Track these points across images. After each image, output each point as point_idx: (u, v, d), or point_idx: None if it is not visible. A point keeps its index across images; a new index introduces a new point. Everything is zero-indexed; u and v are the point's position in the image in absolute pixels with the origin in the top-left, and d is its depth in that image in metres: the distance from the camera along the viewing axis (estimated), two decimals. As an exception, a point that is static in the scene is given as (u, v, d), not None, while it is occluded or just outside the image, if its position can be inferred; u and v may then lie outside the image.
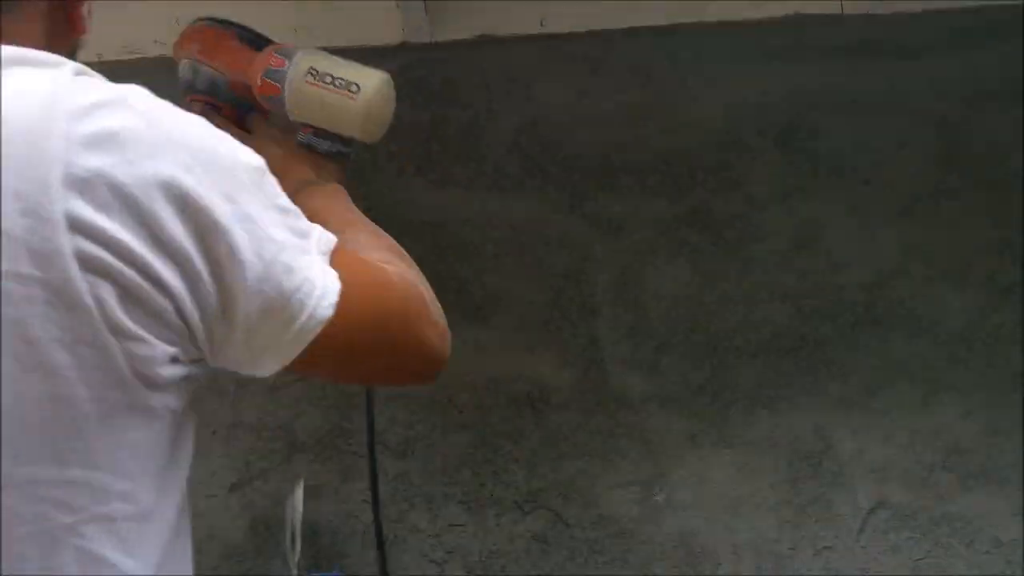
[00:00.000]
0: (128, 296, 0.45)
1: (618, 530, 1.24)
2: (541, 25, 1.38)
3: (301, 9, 1.32)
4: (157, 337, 0.47)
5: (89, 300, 0.44)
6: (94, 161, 0.45)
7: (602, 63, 1.35)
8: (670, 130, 1.34)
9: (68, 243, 0.44)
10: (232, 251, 0.48)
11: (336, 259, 0.56)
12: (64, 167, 0.44)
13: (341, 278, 0.55)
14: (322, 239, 0.57)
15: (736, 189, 1.32)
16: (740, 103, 1.32)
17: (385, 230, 0.75)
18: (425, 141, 1.35)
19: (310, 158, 0.84)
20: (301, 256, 0.53)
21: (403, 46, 1.36)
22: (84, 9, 0.60)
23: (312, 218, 0.59)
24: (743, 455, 1.27)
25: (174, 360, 0.49)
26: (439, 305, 0.71)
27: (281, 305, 0.51)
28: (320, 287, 0.53)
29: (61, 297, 0.44)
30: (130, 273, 0.45)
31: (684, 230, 1.32)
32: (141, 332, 0.46)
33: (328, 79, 0.86)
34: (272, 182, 0.55)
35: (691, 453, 1.26)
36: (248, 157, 0.53)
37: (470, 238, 1.32)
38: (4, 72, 0.48)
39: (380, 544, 1.05)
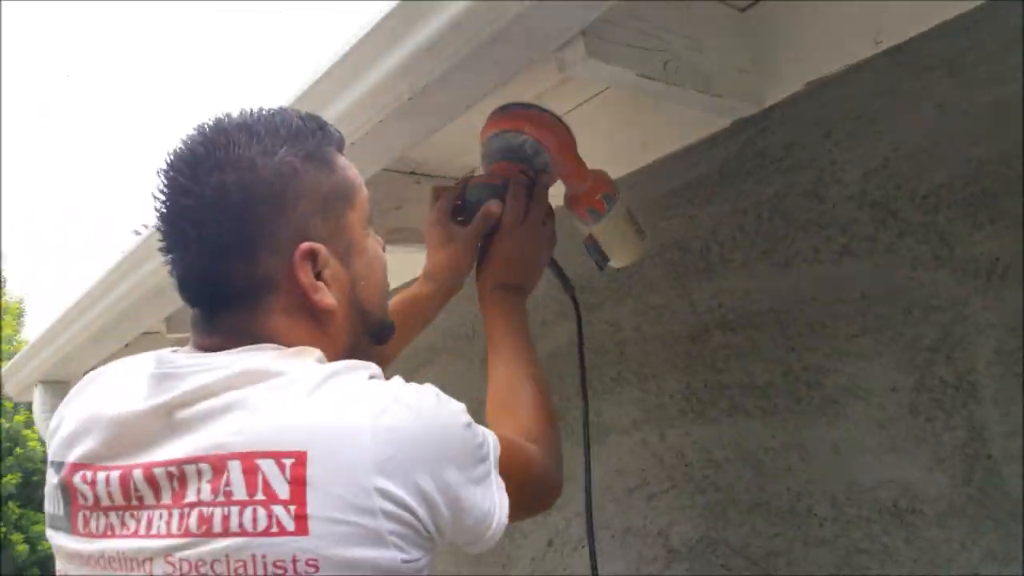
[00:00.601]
0: (407, 532, 0.73)
1: None
2: (876, 43, 1.23)
3: (629, 125, 1.47)
4: (418, 550, 0.76)
5: (387, 536, 0.73)
6: (389, 450, 0.72)
7: (960, 60, 1.11)
8: None
9: (378, 505, 0.71)
10: (465, 510, 0.78)
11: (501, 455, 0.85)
12: (372, 456, 0.71)
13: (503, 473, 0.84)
14: (496, 455, 0.84)
15: None
16: None
17: (736, 327, 1.20)
18: (768, 219, 1.32)
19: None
20: (493, 494, 0.82)
21: (736, 124, 1.38)
22: (320, 296, 0.83)
23: (491, 324, 1.10)
24: None
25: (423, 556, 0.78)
26: (558, 453, 1.03)
27: (484, 527, 0.81)
28: (499, 508, 0.82)
29: (372, 536, 0.71)
30: (410, 519, 0.73)
31: None
32: (411, 550, 0.75)
33: (636, 221, 1.30)
34: (478, 446, 0.82)
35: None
36: (475, 440, 0.81)
37: (819, 319, 1.23)
38: (331, 383, 0.76)
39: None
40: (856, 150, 1.25)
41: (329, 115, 1.13)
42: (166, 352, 0.82)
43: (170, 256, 0.84)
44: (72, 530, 0.78)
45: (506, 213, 1.17)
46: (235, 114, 0.87)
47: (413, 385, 0.79)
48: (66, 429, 0.82)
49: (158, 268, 1.85)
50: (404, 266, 2.11)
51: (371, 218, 0.94)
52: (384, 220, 1.77)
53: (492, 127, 1.23)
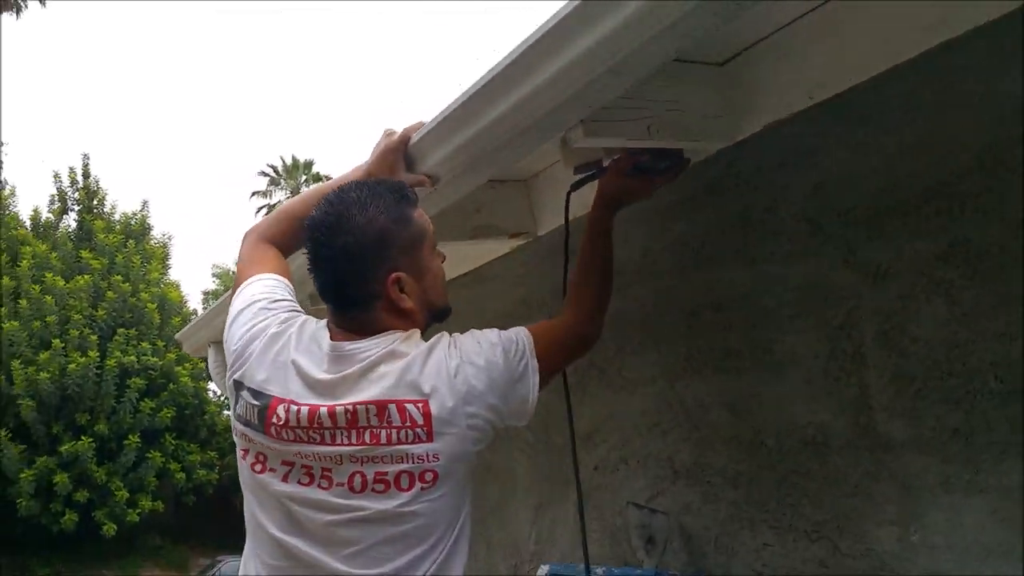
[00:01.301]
0: (481, 434, 1.43)
1: (880, 564, 1.48)
2: (809, 97, 1.69)
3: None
4: (484, 441, 1.45)
5: (471, 437, 1.42)
6: (464, 389, 1.40)
7: (871, 112, 1.57)
8: (934, 162, 1.47)
9: (465, 423, 1.39)
10: (514, 404, 1.47)
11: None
12: (458, 396, 1.40)
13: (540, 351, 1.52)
14: (530, 347, 1.51)
15: (997, 216, 1.37)
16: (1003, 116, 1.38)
17: (719, 307, 1.83)
18: (740, 227, 1.82)
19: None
20: (528, 380, 1.49)
21: (719, 153, 1.87)
22: (403, 303, 1.46)
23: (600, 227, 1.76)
24: (995, 501, 1.32)
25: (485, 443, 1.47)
26: (598, 320, 1.70)
27: (526, 409, 1.49)
28: (533, 390, 1.49)
29: (463, 439, 1.41)
30: (484, 425, 1.42)
31: (943, 268, 1.43)
32: (480, 443, 1.44)
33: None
34: (517, 353, 1.51)
35: (944, 497, 1.39)
36: (513, 351, 1.50)
37: (771, 304, 1.73)
38: (430, 356, 1.43)
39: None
40: (799, 177, 1.72)
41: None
42: (328, 336, 1.45)
43: (314, 279, 1.49)
44: (265, 432, 1.40)
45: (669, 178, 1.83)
46: (350, 191, 1.50)
47: (467, 339, 1.48)
48: (263, 369, 1.44)
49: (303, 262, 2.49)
50: (483, 252, 2.70)
51: (435, 244, 1.58)
52: (467, 220, 2.35)
53: None
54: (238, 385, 1.46)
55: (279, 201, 34.82)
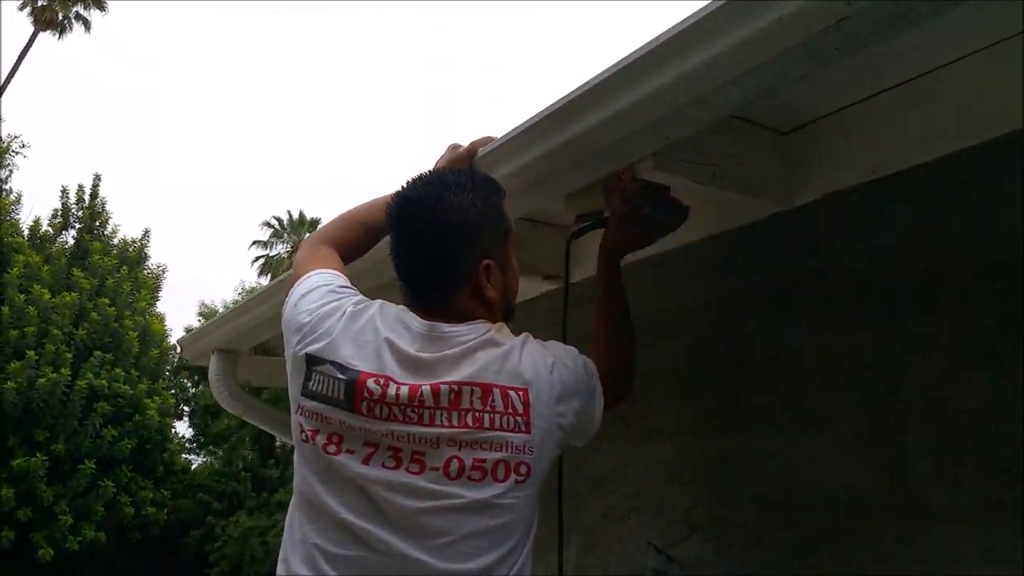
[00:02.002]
0: (564, 435, 1.47)
1: None
2: (872, 172, 1.74)
3: (698, 204, 2.01)
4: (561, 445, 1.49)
5: (558, 437, 1.45)
6: (559, 387, 1.44)
7: (927, 193, 1.62)
8: (988, 243, 1.51)
9: (556, 421, 1.43)
10: (588, 415, 1.53)
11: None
12: (554, 392, 1.44)
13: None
14: (597, 375, 1.58)
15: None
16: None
17: (755, 366, 1.87)
18: (788, 290, 1.85)
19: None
20: (597, 401, 1.56)
21: (772, 216, 1.91)
22: (488, 291, 1.47)
23: (607, 278, 1.78)
24: (1035, 578, 1.31)
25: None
26: (632, 376, 1.75)
27: (593, 426, 1.56)
28: (599, 410, 1.56)
29: (554, 436, 1.43)
30: (568, 426, 1.46)
31: (994, 342, 1.45)
32: (561, 445, 1.48)
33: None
34: (592, 372, 1.58)
35: (986, 568, 1.38)
36: (590, 368, 1.58)
37: (811, 366, 1.75)
38: (525, 347, 1.46)
39: None
40: (851, 248, 1.76)
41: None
42: (416, 317, 1.44)
43: (399, 259, 1.50)
44: (354, 409, 1.36)
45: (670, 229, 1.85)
46: (447, 173, 1.53)
47: (554, 342, 1.54)
48: (348, 345, 1.40)
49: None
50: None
51: (515, 243, 1.60)
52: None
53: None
54: (312, 360, 1.42)
55: (278, 254, 34.90)
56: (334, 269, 1.62)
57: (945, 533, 1.45)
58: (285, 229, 35.50)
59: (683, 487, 1.96)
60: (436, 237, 1.45)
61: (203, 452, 23.98)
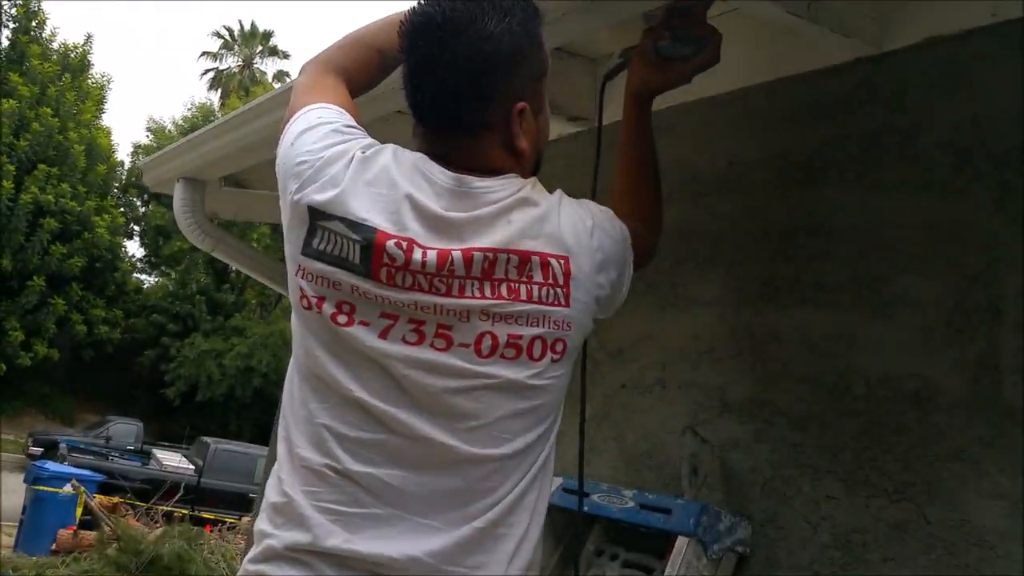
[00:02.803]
0: (602, 306, 1.27)
1: (978, 539, 1.33)
2: (993, 15, 1.48)
3: (761, 42, 1.74)
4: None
5: (596, 308, 1.26)
6: (600, 255, 1.24)
7: None
8: None
9: (595, 292, 1.23)
10: (623, 286, 1.33)
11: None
12: (595, 262, 1.24)
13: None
14: (630, 242, 1.34)
15: None
16: None
17: (820, 234, 1.69)
18: (867, 149, 1.62)
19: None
20: (628, 271, 1.34)
21: (857, 61, 1.65)
22: (520, 141, 1.22)
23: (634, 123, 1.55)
24: None
25: None
26: (660, 230, 1.55)
27: (622, 296, 1.34)
28: (628, 281, 1.34)
29: (593, 308, 1.25)
30: (605, 296, 1.27)
31: None
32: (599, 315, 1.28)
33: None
34: (627, 240, 1.35)
35: None
36: (627, 236, 1.35)
37: (891, 238, 1.56)
38: (564, 209, 1.24)
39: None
40: (951, 104, 1.52)
41: None
42: (439, 168, 1.19)
43: (417, 93, 1.22)
44: (372, 276, 1.14)
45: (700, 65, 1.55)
46: None
47: (590, 202, 1.32)
48: (360, 198, 1.16)
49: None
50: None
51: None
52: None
53: None
54: (317, 213, 1.18)
55: (228, 67, 33.36)
56: (338, 105, 1.34)
57: (1035, 438, 1.31)
58: (236, 41, 33.79)
59: (718, 362, 1.80)
60: (466, 68, 1.17)
61: (155, 273, 23.77)
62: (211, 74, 33.61)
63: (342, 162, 1.20)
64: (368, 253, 1.14)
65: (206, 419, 21.51)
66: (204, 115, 24.36)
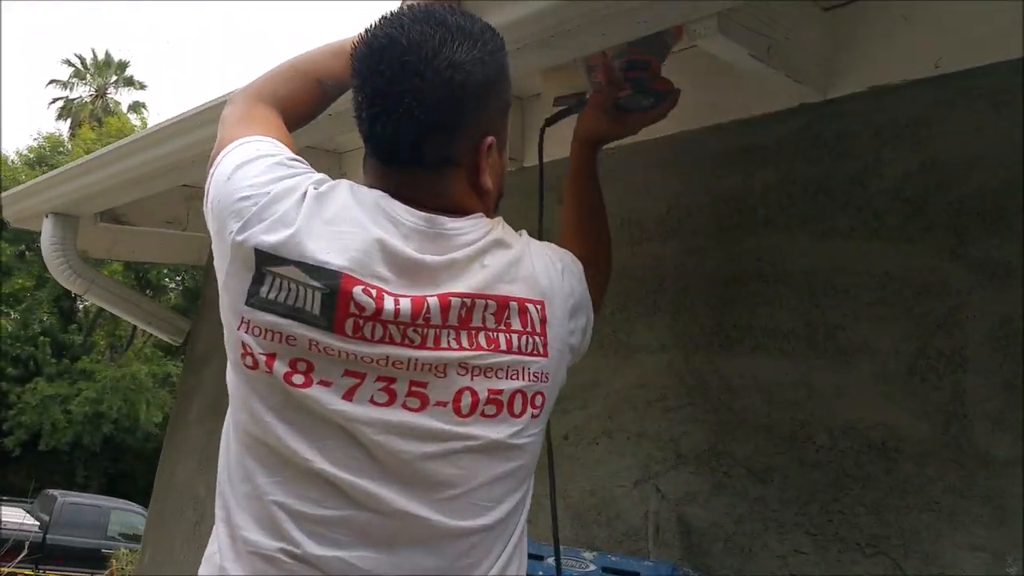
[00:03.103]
0: (573, 356, 1.22)
1: None
2: (936, 67, 1.50)
3: (703, 86, 1.71)
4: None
5: (569, 357, 1.20)
6: (572, 301, 1.19)
7: (1006, 96, 1.39)
8: None
9: (568, 341, 1.17)
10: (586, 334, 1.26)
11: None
12: (567, 307, 1.17)
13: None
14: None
15: None
16: None
17: (770, 280, 1.64)
18: (814, 194, 1.60)
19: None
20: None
21: (800, 107, 1.64)
22: (484, 179, 1.11)
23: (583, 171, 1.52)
24: None
25: None
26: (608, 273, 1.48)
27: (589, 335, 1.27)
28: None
29: (566, 358, 1.19)
30: (577, 345, 1.22)
31: None
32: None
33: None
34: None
35: None
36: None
37: (845, 285, 1.54)
38: (534, 251, 1.17)
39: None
40: (899, 152, 1.53)
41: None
42: (403, 206, 1.08)
43: (376, 124, 1.08)
44: (333, 328, 1.01)
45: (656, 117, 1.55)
46: (446, 12, 1.11)
47: (547, 244, 1.24)
48: (317, 239, 1.03)
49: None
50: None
51: None
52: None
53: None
54: (266, 257, 1.03)
55: (80, 97, 31.59)
56: (275, 137, 1.21)
57: (1009, 486, 1.31)
58: (88, 69, 32.11)
59: (668, 411, 1.74)
60: (434, 99, 1.05)
61: (-7, 313, 21.97)
62: (60, 103, 31.75)
63: (292, 199, 1.07)
64: (331, 301, 1.02)
65: (50, 470, 19.93)
66: (53, 145, 22.92)
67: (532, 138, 2.08)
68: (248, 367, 1.04)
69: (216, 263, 1.11)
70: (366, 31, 1.13)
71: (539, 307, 1.10)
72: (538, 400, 1.09)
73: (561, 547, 1.59)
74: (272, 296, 1.03)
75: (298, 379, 1.02)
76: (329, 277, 1.02)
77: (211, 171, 1.17)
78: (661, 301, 1.81)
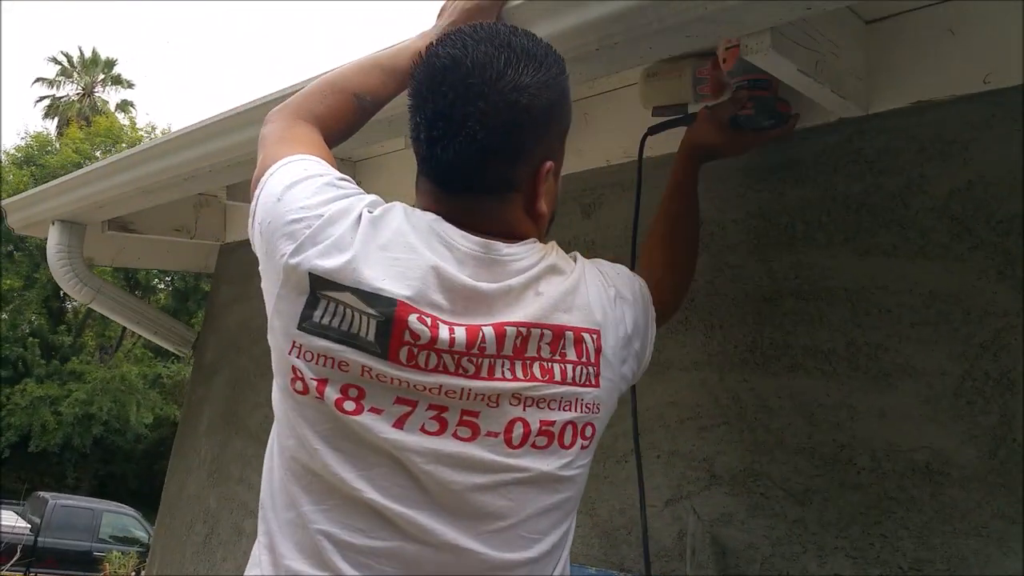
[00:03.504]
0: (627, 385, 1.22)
1: None
2: (985, 83, 1.47)
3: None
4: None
5: (623, 388, 1.21)
6: (624, 329, 1.17)
7: None
8: None
9: (621, 371, 1.17)
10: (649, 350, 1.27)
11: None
12: (619, 337, 1.16)
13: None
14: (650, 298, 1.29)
15: None
16: None
17: (808, 297, 1.61)
18: (856, 211, 1.58)
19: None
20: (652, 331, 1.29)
21: (840, 122, 1.61)
22: (540, 204, 1.11)
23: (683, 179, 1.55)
24: None
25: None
26: (687, 289, 1.54)
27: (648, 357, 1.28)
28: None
29: (620, 388, 1.19)
30: (630, 374, 1.21)
31: None
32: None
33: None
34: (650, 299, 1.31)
35: None
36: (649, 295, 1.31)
37: (887, 304, 1.50)
38: (588, 276, 1.16)
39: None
40: (945, 169, 1.51)
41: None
42: (459, 231, 1.07)
43: (434, 146, 1.06)
44: (389, 356, 0.99)
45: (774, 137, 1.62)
46: (510, 33, 1.09)
47: (605, 263, 1.24)
48: (373, 266, 1.01)
49: (245, 142, 1.99)
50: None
51: None
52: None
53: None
54: (321, 282, 1.02)
55: (67, 95, 31.36)
56: (318, 155, 1.18)
57: (1062, 513, 1.28)
58: (75, 67, 31.91)
59: (702, 430, 1.71)
60: (499, 122, 1.04)
61: (-19, 314, 21.78)
62: (47, 101, 31.53)
63: (347, 222, 1.06)
64: (386, 329, 1.00)
65: (40, 472, 19.84)
66: (41, 144, 22.75)
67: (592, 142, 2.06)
68: (298, 392, 1.02)
69: (265, 286, 1.09)
70: (429, 50, 1.10)
71: (595, 336, 1.10)
72: (588, 431, 1.09)
73: (593, 569, 1.56)
74: (326, 321, 1.01)
75: (349, 405, 1.00)
76: (385, 305, 1.00)
77: (257, 192, 1.15)
78: (692, 318, 1.78)
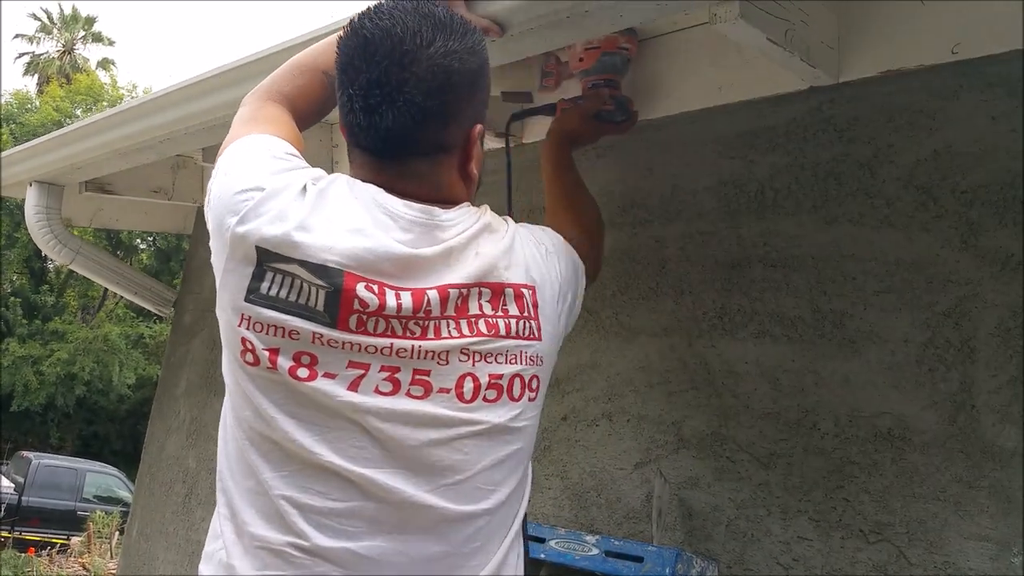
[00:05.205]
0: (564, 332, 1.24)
1: None
2: (953, 53, 1.47)
3: (708, 67, 1.69)
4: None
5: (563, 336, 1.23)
6: (560, 284, 1.21)
7: (1021, 85, 1.37)
8: None
9: (563, 321, 1.22)
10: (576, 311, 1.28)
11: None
12: (556, 290, 1.20)
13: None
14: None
15: None
16: None
17: (776, 264, 1.64)
18: (824, 179, 1.58)
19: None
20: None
21: (811, 91, 1.61)
22: (471, 167, 1.14)
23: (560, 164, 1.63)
24: None
25: None
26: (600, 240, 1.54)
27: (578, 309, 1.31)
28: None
29: (559, 338, 1.22)
30: (566, 323, 1.24)
31: None
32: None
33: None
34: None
35: None
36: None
37: (853, 272, 1.51)
38: (520, 235, 1.19)
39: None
40: (912, 138, 1.51)
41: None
42: (398, 199, 1.08)
43: (367, 115, 1.06)
44: (338, 325, 1.01)
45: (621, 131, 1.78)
46: (434, 8, 1.11)
47: (533, 226, 1.27)
48: (319, 236, 1.02)
49: (220, 105, 1.96)
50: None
51: None
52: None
53: (608, 46, 1.71)
54: (266, 253, 1.02)
55: (47, 52, 30.78)
56: (281, 135, 1.19)
57: (1013, 478, 1.31)
58: (55, 24, 31.21)
59: (671, 395, 1.73)
60: (434, 86, 1.06)
61: (-38, 274, 21.54)
62: (26, 58, 30.92)
63: (290, 194, 1.07)
64: (335, 299, 1.02)
65: (23, 431, 19.77)
66: (20, 102, 22.32)
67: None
68: (249, 363, 1.03)
69: (214, 260, 1.10)
70: (355, 24, 1.10)
71: (531, 292, 1.13)
72: (534, 383, 1.12)
73: (563, 530, 1.58)
74: (274, 292, 1.03)
75: (303, 372, 1.02)
76: (333, 276, 1.02)
77: (214, 170, 1.15)
78: (663, 284, 1.79)
